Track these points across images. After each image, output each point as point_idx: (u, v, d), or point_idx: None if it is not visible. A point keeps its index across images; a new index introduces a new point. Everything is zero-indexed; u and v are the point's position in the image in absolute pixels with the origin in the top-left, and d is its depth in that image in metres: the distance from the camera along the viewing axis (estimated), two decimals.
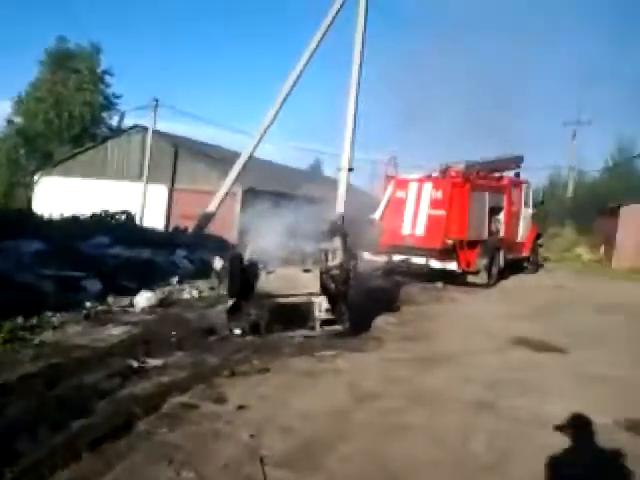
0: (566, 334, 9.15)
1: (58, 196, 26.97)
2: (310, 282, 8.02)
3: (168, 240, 16.49)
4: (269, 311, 7.78)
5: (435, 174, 14.36)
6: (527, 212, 17.20)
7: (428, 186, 14.01)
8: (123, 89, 56.67)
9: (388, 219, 14.51)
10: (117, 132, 32.95)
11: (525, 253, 17.17)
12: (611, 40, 56.74)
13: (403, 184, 14.43)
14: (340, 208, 15.33)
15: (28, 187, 31.04)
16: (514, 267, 16.43)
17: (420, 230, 13.92)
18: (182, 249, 14.49)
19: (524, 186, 17.05)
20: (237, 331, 7.69)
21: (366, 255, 13.53)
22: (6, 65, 61.76)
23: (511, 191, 16.14)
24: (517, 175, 17.15)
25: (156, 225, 22.81)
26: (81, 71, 35.47)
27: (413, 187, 14.21)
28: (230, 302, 8.04)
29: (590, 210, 26.51)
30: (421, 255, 13.76)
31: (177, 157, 27.84)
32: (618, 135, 32.44)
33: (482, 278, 14.08)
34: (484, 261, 14.08)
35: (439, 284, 14.03)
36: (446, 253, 13.63)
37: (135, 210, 23.22)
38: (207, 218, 19.21)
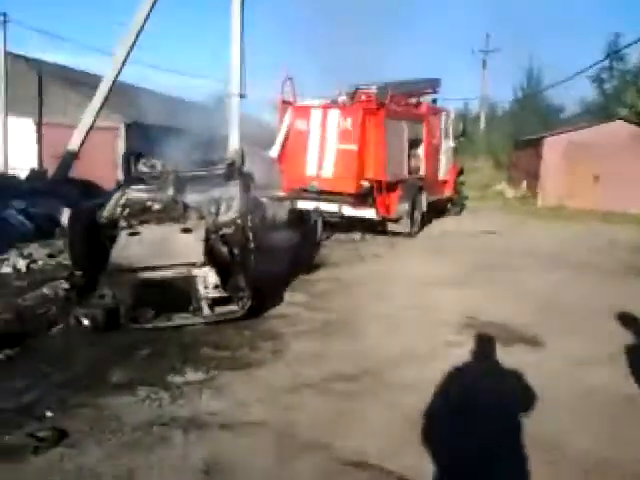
0: (526, 308, 6.98)
1: None
2: (191, 246, 6.02)
3: (10, 188, 12.82)
4: (132, 290, 5.73)
5: (342, 99, 11.56)
6: (448, 145, 14.97)
7: (334, 114, 11.25)
8: None
9: (288, 157, 11.69)
10: None
11: (448, 193, 15.05)
12: None
13: (304, 112, 11.56)
14: (233, 143, 12.32)
15: None
16: (436, 209, 14.25)
17: (328, 170, 11.24)
18: (21, 200, 10.90)
19: (443, 114, 14.70)
20: (85, 322, 5.60)
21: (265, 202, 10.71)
22: None
23: (430, 120, 13.75)
24: (434, 102, 14.76)
25: (26, 166, 19.06)
26: None
27: (316, 115, 11.39)
28: (73, 278, 6.19)
29: (504, 143, 25.07)
30: (331, 201, 11.14)
31: (42, 85, 23.66)
32: (527, 65, 30.94)
33: (404, 226, 11.76)
34: (406, 206, 11.73)
35: (357, 235, 11.74)
36: (361, 198, 11.10)
37: None
38: (69, 158, 15.48)
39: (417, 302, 7.19)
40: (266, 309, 6.59)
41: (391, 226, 11.80)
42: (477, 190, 20.73)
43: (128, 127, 21.64)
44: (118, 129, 21.23)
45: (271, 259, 7.68)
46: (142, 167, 7.88)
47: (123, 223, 6.48)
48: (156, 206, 6.76)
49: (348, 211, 11.12)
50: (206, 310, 5.89)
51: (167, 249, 6.00)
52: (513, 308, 6.94)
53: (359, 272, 8.91)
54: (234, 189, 7.03)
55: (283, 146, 11.75)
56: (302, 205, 11.42)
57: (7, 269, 7.68)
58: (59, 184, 14.06)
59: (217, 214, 6.57)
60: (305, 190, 11.33)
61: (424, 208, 12.81)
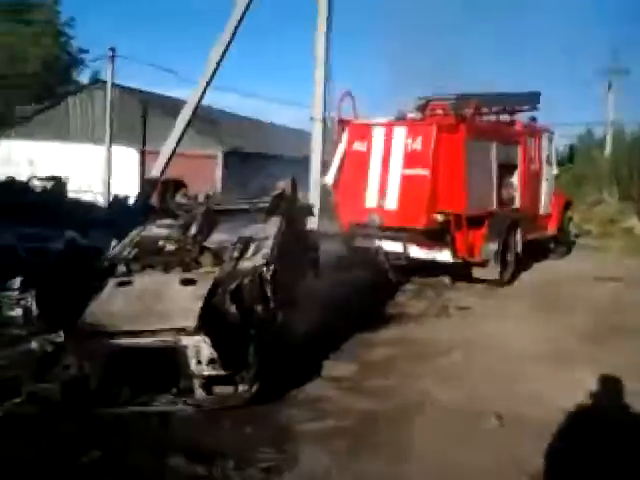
0: None
1: (18, 161, 23.56)
2: (186, 305, 4.43)
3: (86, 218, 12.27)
4: (104, 361, 4.26)
5: (411, 115, 9.43)
6: (550, 172, 12.30)
7: (401, 132, 9.15)
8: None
9: (345, 185, 9.69)
10: (77, 88, 29.39)
11: (551, 230, 12.26)
12: None
13: (363, 130, 9.57)
14: (315, 173, 10.71)
15: None
16: (535, 251, 11.56)
17: (392, 200, 9.09)
18: (74, 231, 9.80)
19: (545, 135, 12.10)
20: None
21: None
22: None
23: (527, 142, 11.25)
24: (533, 120, 12.18)
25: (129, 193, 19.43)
26: (34, 22, 32.03)
27: (378, 135, 9.35)
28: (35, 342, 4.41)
29: (634, 172, 21.42)
30: (396, 239, 8.94)
31: (147, 115, 24.59)
32: None
33: (492, 271, 9.30)
34: (494, 245, 9.28)
35: (446, 280, 9.56)
36: (434, 235, 8.82)
37: (98, 177, 21.36)
38: (150, 185, 14.95)
39: (507, 391, 4.84)
40: (293, 386, 4.79)
41: (476, 271, 9.38)
42: (599, 226, 17.53)
43: (226, 155, 21.84)
44: (216, 157, 21.67)
45: (320, 310, 5.75)
46: (180, 198, 6.71)
47: (121, 268, 5.09)
48: (169, 247, 5.36)
49: (416, 252, 8.87)
50: (198, 392, 4.32)
51: (156, 307, 4.42)
52: None
53: (438, 332, 6.78)
54: (272, 227, 5.56)
55: (339, 172, 9.79)
56: (361, 244, 9.30)
57: (17, 311, 6.21)
58: (137, 211, 13.35)
59: (240, 259, 4.98)
60: (365, 225, 9.23)
61: (519, 248, 10.24)
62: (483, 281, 9.38)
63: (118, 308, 4.38)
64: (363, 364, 5.47)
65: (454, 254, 8.81)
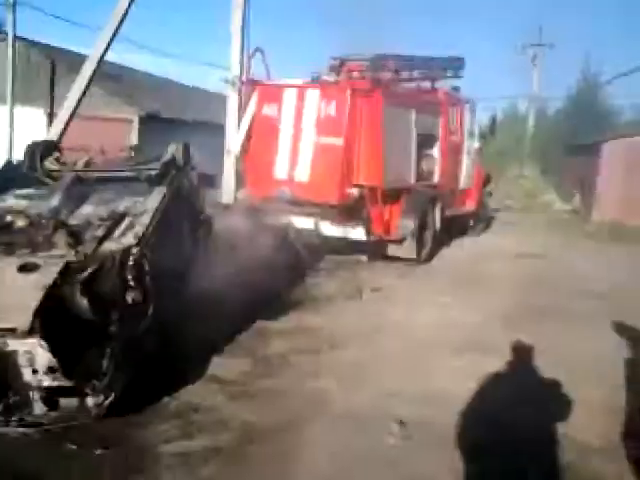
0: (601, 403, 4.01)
1: None
2: (20, 299, 3.38)
3: None
4: None
5: (326, 77, 8.64)
6: (472, 145, 11.94)
7: (314, 95, 8.36)
8: None
9: (253, 154, 8.84)
10: None
11: (470, 206, 11.96)
12: None
13: (273, 93, 8.70)
14: (230, 141, 9.37)
15: None
16: (454, 227, 11.22)
17: (304, 172, 8.36)
18: None
19: (467, 106, 11.68)
20: None
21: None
22: None
23: (449, 112, 10.77)
24: (456, 90, 11.71)
25: None
26: None
27: (290, 98, 8.52)
28: None
29: (554, 148, 21.70)
30: (308, 214, 8.23)
31: (55, 73, 22.08)
32: (583, 61, 27.27)
33: (409, 250, 8.81)
34: (411, 222, 8.77)
35: (363, 258, 9.00)
36: (348, 211, 8.17)
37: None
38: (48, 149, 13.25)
39: (413, 390, 4.26)
40: (166, 393, 4.03)
41: (392, 249, 8.87)
42: (520, 199, 17.58)
43: (143, 119, 20.28)
44: (132, 121, 20.09)
45: (212, 297, 4.99)
46: (49, 164, 5.72)
47: None
48: (20, 223, 4.34)
49: (328, 229, 8.19)
50: (38, 407, 3.46)
51: None
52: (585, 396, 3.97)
53: (345, 318, 6.14)
54: (153, 200, 4.66)
55: (247, 139, 8.92)
56: (270, 220, 8.52)
57: None
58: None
59: (105, 238, 4.07)
60: (274, 199, 8.45)
61: (438, 225, 9.81)
62: (400, 259, 8.90)
63: None
64: (257, 360, 4.75)
65: (369, 232, 8.21)
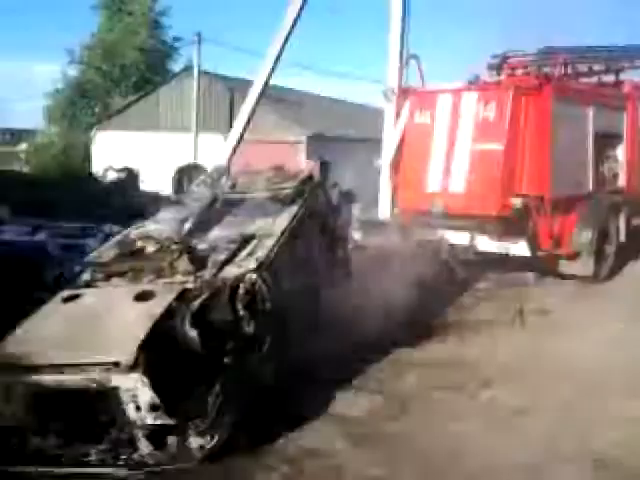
0: None
1: (115, 152, 24.12)
2: (127, 331, 3.33)
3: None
4: (19, 403, 3.25)
5: (485, 77, 7.88)
6: None
7: (471, 98, 7.66)
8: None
9: (404, 166, 8.38)
10: (168, 78, 29.89)
11: None
12: None
13: (427, 100, 8.16)
14: (387, 154, 8.96)
15: (87, 143, 28.97)
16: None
17: (458, 182, 7.68)
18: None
19: None
20: None
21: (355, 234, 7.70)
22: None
23: (637, 107, 9.27)
24: None
25: None
26: (134, 13, 32.81)
27: (444, 104, 7.92)
28: None
29: None
30: (462, 228, 7.54)
31: (234, 102, 23.92)
32: None
33: (584, 266, 7.69)
34: (587, 234, 7.63)
35: (530, 275, 8.03)
36: (509, 224, 7.33)
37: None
38: (218, 174, 14.32)
39: (579, 453, 3.50)
40: (287, 432, 3.73)
41: (564, 266, 7.80)
42: None
43: (310, 139, 21.10)
44: (300, 142, 21.02)
45: (346, 324, 4.75)
46: (197, 185, 5.98)
47: (86, 276, 4.21)
48: (149, 248, 4.39)
49: (485, 244, 7.40)
50: (143, 445, 3.28)
51: (92, 332, 3.43)
52: None
53: (501, 349, 5.46)
54: (284, 220, 4.55)
55: (398, 150, 8.48)
56: (422, 235, 7.98)
57: None
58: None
59: (227, 263, 4.02)
60: (427, 213, 7.89)
61: (622, 237, 8.44)
62: (575, 278, 7.79)
63: (50, 332, 3.46)
64: (388, 397, 4.29)
65: (534, 247, 7.27)
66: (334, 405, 4.16)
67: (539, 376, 4.73)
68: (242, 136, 13.43)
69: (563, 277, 7.85)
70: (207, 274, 3.90)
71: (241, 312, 3.58)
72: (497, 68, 7.75)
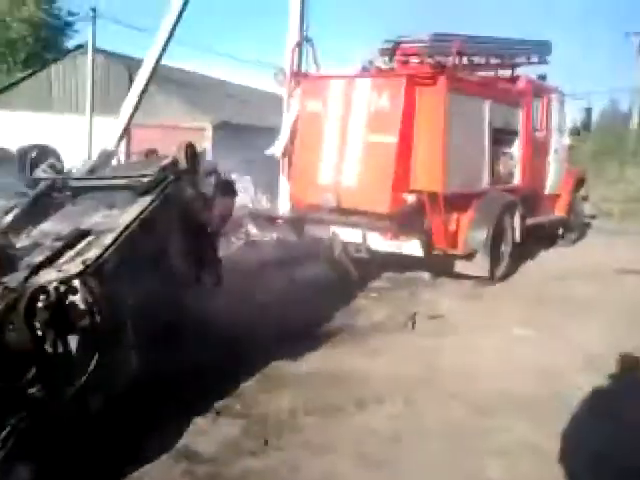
0: None
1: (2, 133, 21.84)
2: None
3: None
4: None
5: (378, 63, 7.42)
6: (561, 143, 10.26)
7: (364, 86, 7.16)
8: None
9: (295, 157, 7.77)
10: (60, 55, 27.49)
11: (559, 212, 10.26)
12: None
13: (318, 87, 7.60)
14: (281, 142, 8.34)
15: None
16: (537, 238, 9.59)
17: (351, 176, 7.17)
18: None
19: (554, 96, 10.02)
20: None
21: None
22: None
23: (533, 103, 9.20)
24: (542, 78, 10.09)
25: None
26: None
27: (336, 90, 7.38)
28: None
29: None
30: (355, 225, 7.03)
31: (132, 83, 23.10)
32: None
33: (480, 266, 7.42)
34: (482, 233, 7.37)
35: (425, 275, 7.78)
36: (402, 221, 6.89)
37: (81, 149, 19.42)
38: (106, 159, 13.01)
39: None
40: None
41: (460, 266, 7.50)
42: (622, 206, 15.40)
43: (216, 128, 20.27)
44: (205, 130, 20.08)
45: (213, 334, 4.01)
46: (40, 171, 5.03)
47: None
48: None
49: (377, 242, 6.91)
50: None
51: None
52: None
53: (388, 358, 4.92)
54: (131, 213, 3.77)
55: (291, 141, 7.87)
56: (314, 231, 7.42)
57: None
58: None
59: (45, 266, 3.19)
60: (318, 207, 7.33)
61: (517, 236, 8.28)
62: (471, 278, 7.52)
63: None
64: (251, 423, 3.62)
65: (428, 246, 6.87)
66: (186, 436, 3.44)
67: (423, 394, 4.21)
68: (130, 119, 12.40)
69: (458, 276, 7.57)
70: (14, 280, 3.06)
71: (41, 330, 2.77)
72: (390, 55, 7.30)
